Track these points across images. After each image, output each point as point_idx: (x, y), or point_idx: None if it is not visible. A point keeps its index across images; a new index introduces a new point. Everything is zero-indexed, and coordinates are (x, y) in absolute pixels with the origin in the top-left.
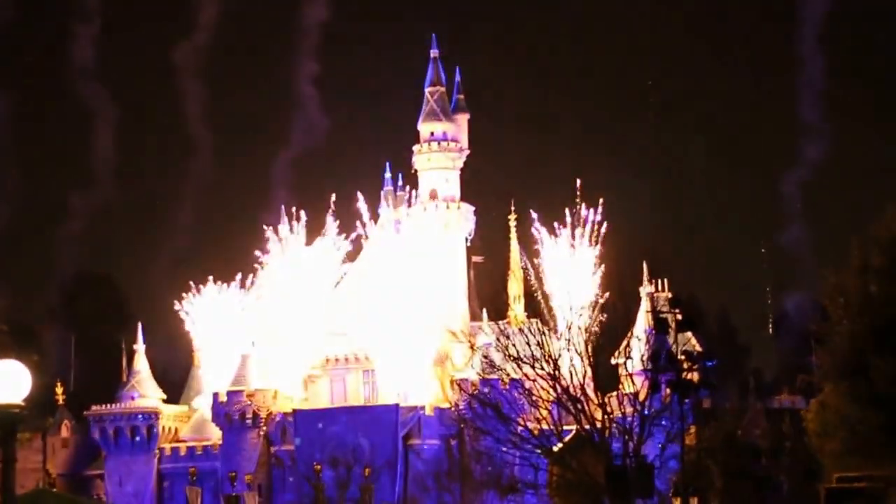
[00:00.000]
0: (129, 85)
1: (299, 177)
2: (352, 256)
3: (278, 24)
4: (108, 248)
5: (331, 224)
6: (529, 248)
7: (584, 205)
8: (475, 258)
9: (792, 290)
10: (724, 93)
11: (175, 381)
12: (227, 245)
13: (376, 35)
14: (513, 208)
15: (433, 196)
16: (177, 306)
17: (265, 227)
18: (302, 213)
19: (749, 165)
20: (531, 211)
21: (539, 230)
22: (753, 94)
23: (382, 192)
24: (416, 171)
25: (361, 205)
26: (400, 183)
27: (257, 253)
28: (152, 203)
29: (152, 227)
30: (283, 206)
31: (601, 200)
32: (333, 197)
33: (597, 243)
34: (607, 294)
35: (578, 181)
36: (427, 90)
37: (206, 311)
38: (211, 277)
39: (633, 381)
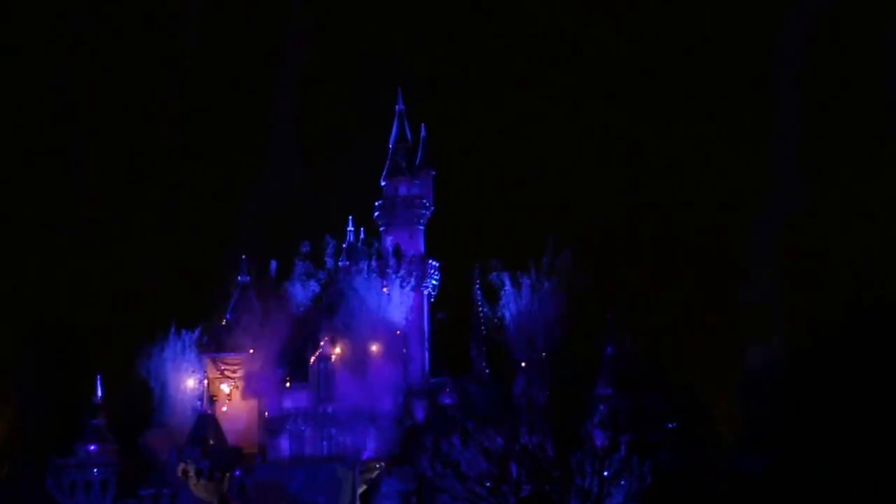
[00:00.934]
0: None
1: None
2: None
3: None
4: (68, 296)
5: (299, 269)
6: (494, 303)
7: (551, 257)
8: (438, 314)
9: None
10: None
11: (134, 433)
12: (192, 291)
13: (346, 83)
14: (477, 265)
15: (396, 253)
16: (137, 358)
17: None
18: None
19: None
20: (495, 264)
21: (503, 283)
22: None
23: (344, 247)
24: (380, 226)
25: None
26: (362, 237)
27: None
28: (119, 243)
29: (117, 272)
30: (243, 258)
31: (568, 252)
32: (305, 246)
33: (565, 293)
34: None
35: (550, 237)
36: (392, 146)
37: (166, 363)
38: (174, 325)
39: (592, 440)
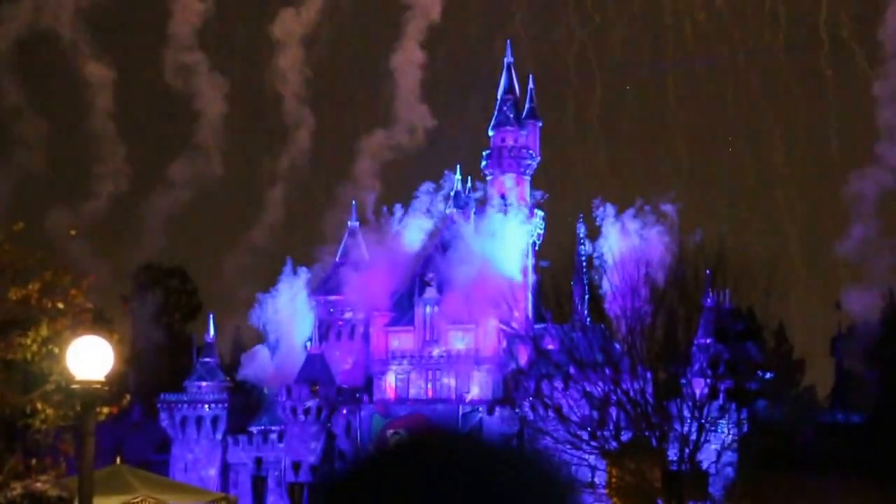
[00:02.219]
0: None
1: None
2: None
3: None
4: (184, 239)
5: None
6: (597, 251)
7: (656, 205)
8: (542, 262)
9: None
10: (799, 93)
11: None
12: (310, 234)
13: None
14: (581, 216)
15: (502, 201)
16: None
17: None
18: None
19: (822, 167)
20: (601, 211)
21: (608, 228)
22: (828, 90)
23: (452, 194)
24: (486, 176)
25: (456, 179)
26: (469, 186)
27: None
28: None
29: (236, 218)
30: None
31: (674, 205)
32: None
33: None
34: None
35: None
36: (500, 96)
37: (279, 303)
38: (290, 261)
39: (692, 387)
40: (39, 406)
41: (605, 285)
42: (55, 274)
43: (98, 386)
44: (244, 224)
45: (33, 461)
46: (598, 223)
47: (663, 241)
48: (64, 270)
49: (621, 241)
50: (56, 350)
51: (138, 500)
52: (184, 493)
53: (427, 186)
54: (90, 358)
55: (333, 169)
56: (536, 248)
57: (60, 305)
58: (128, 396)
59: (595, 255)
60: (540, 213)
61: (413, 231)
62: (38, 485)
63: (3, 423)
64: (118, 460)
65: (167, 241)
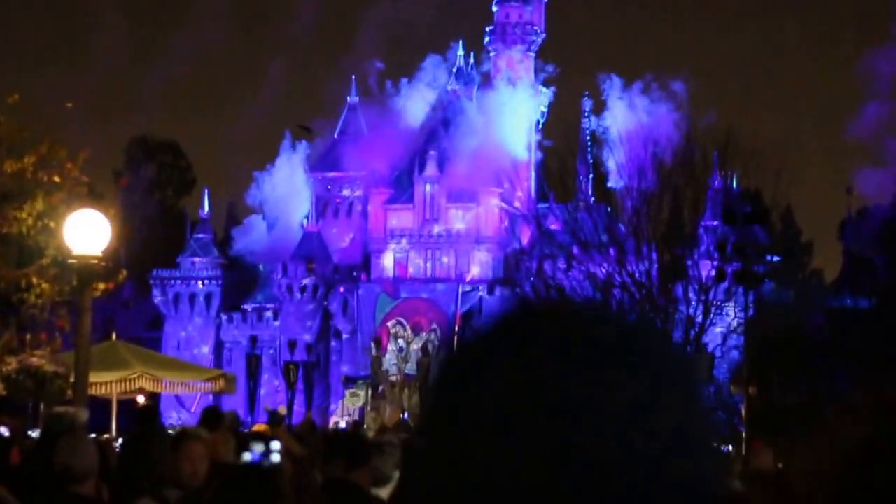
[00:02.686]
0: None
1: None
2: None
3: None
4: (180, 113)
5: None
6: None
7: (666, 82)
8: (545, 141)
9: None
10: None
11: (239, 249)
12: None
13: None
14: (586, 93)
15: (507, 76)
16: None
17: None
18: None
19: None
20: (607, 84)
21: (614, 102)
22: None
23: (454, 71)
24: (490, 52)
25: (459, 55)
26: (472, 63)
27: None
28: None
29: (235, 91)
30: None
31: (685, 83)
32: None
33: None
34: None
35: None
36: None
37: (276, 179)
38: (288, 134)
39: (698, 269)
40: (35, 280)
41: (611, 164)
42: (51, 147)
43: (95, 261)
44: (242, 97)
45: (28, 336)
46: (604, 98)
47: (672, 118)
48: (60, 144)
49: (628, 117)
50: (52, 224)
51: (135, 376)
52: (181, 371)
53: (433, 59)
54: (87, 232)
55: (337, 41)
56: (541, 125)
57: (56, 179)
58: (124, 272)
59: (601, 131)
60: (545, 89)
61: (417, 104)
62: (34, 360)
63: None
64: (114, 336)
65: (162, 114)
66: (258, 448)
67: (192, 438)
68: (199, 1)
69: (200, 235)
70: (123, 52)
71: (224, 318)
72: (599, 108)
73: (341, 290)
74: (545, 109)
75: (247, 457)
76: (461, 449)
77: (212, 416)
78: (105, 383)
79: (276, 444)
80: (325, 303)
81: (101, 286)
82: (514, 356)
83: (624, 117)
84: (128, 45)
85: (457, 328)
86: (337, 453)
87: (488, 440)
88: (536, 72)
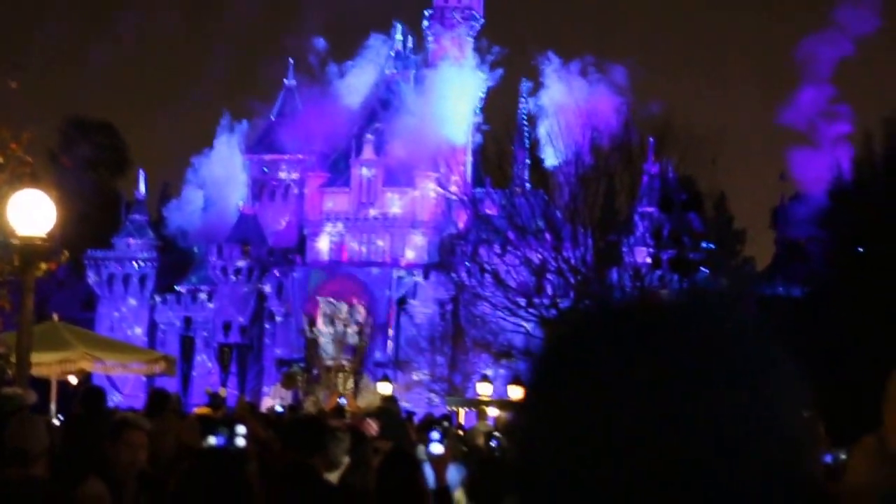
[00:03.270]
0: None
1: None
2: None
3: None
4: (114, 95)
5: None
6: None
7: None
8: (483, 125)
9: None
10: None
11: (172, 231)
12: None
13: None
14: (523, 80)
15: (443, 60)
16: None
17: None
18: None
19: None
20: (545, 65)
21: (552, 83)
22: None
23: (392, 54)
24: (428, 36)
25: (397, 39)
26: (410, 46)
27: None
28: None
29: (176, 69)
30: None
31: (624, 66)
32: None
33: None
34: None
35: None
36: None
37: (213, 161)
38: (227, 115)
39: (633, 256)
40: None
41: (548, 150)
42: None
43: (39, 241)
44: (182, 79)
45: None
46: (541, 79)
47: (611, 102)
48: (3, 124)
49: (566, 97)
50: None
51: (76, 357)
52: (122, 352)
53: (376, 38)
54: (31, 213)
55: (280, 23)
56: (479, 109)
57: (0, 160)
58: (66, 253)
59: (538, 113)
60: (483, 73)
61: (357, 84)
62: None
63: None
64: (55, 317)
65: (100, 96)
66: (224, 433)
67: (133, 426)
68: None
69: (136, 216)
70: (68, 31)
71: (158, 299)
72: (537, 88)
73: (276, 272)
74: (483, 94)
75: (212, 441)
76: (556, 456)
77: (159, 399)
78: (46, 364)
79: (241, 429)
80: (260, 285)
81: (44, 266)
82: (616, 356)
83: (561, 97)
84: (72, 26)
85: (391, 312)
86: (294, 439)
87: (586, 448)
88: (475, 55)
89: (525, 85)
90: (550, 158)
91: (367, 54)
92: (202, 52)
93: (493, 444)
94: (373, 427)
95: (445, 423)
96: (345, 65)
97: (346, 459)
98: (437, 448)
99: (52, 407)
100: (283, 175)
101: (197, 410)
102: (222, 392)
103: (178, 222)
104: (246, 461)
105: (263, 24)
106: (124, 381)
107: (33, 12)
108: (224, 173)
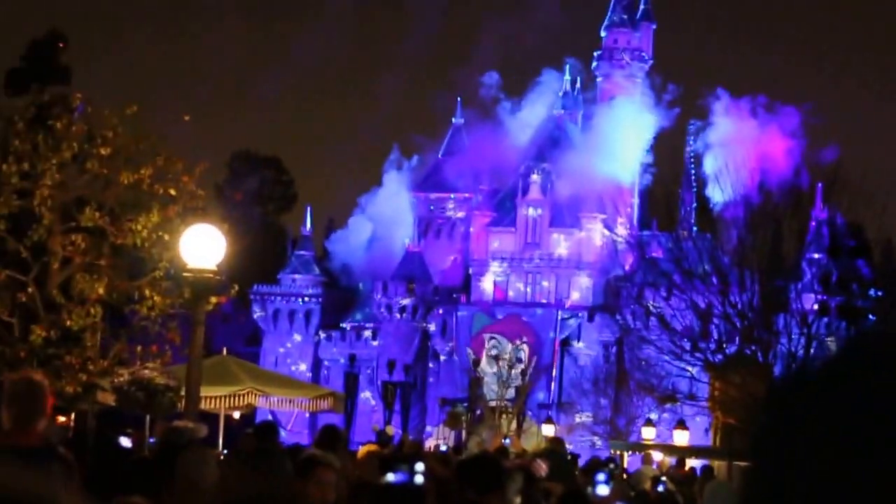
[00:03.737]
0: None
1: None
2: None
3: None
4: (281, 128)
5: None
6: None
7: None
8: (651, 168)
9: None
10: None
11: (338, 267)
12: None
13: None
14: (690, 124)
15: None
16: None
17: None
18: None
19: None
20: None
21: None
22: None
23: (561, 95)
24: (596, 77)
25: (565, 80)
26: (579, 86)
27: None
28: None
29: (335, 106)
30: (458, 98)
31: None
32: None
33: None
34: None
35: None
36: None
37: (380, 198)
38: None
39: (801, 302)
40: (147, 293)
41: (716, 193)
42: (167, 159)
43: (210, 275)
44: (350, 113)
45: (139, 348)
46: (710, 118)
47: (782, 143)
48: (176, 156)
49: (735, 136)
50: (166, 237)
51: (245, 391)
52: (288, 387)
53: (548, 75)
54: (203, 246)
55: (452, 56)
56: (646, 151)
57: (172, 192)
58: (236, 287)
59: (706, 154)
60: (650, 114)
61: (528, 119)
62: (146, 372)
63: (110, 308)
64: (224, 351)
65: (267, 129)
66: (403, 469)
67: (323, 465)
68: (315, 16)
69: (301, 252)
70: (235, 66)
71: (323, 335)
72: (706, 126)
73: (440, 311)
74: (652, 135)
75: (391, 477)
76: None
77: (331, 435)
78: (214, 397)
79: (419, 466)
80: (424, 323)
81: (214, 300)
82: (864, 389)
83: (730, 136)
84: (240, 60)
85: (556, 354)
86: (470, 478)
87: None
88: (644, 95)
89: (693, 125)
90: (717, 198)
91: (539, 89)
92: (372, 86)
93: (659, 488)
94: (542, 468)
95: (611, 466)
96: (515, 101)
97: (518, 500)
98: (603, 490)
99: (220, 441)
100: (449, 213)
101: (364, 448)
102: (389, 430)
103: (343, 258)
104: (424, 498)
105: (435, 57)
106: (287, 417)
107: (202, 46)
108: (391, 210)
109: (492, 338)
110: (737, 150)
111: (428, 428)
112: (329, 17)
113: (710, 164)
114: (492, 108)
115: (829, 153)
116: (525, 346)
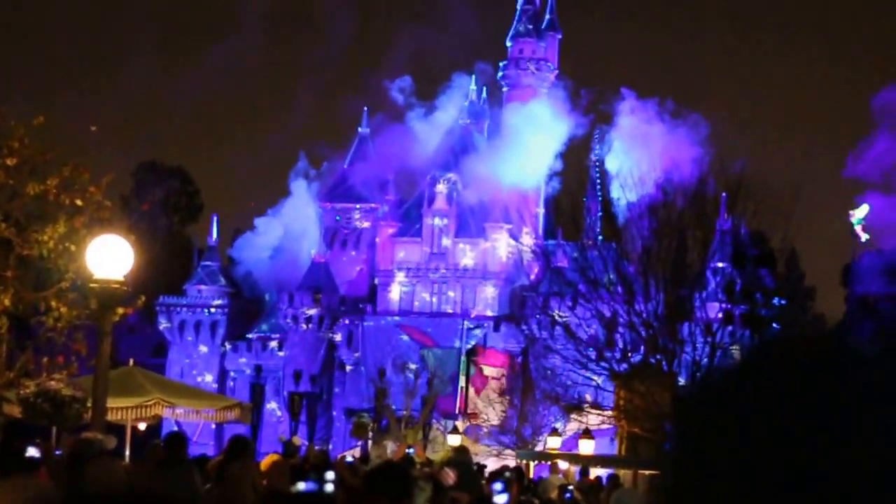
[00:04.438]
0: None
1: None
2: None
3: None
4: (182, 140)
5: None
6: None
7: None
8: (556, 178)
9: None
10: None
11: (243, 277)
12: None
13: None
14: (596, 131)
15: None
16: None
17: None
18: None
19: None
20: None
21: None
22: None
23: (466, 105)
24: (502, 87)
25: (471, 90)
26: (485, 96)
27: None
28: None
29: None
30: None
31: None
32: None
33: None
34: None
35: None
36: (520, 6)
37: (285, 208)
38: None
39: (705, 311)
40: (54, 304)
41: (620, 200)
42: (74, 170)
43: (116, 286)
44: (259, 121)
45: (45, 359)
46: (615, 120)
47: (687, 151)
48: (83, 167)
49: (640, 140)
50: (73, 248)
51: (151, 402)
52: (195, 398)
53: (461, 79)
54: (110, 257)
55: (365, 63)
56: (551, 161)
57: (79, 202)
58: (142, 298)
59: (611, 161)
60: (555, 125)
61: (438, 124)
62: (52, 383)
63: (16, 319)
64: (131, 362)
65: (175, 140)
66: (313, 478)
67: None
68: (228, 26)
69: (208, 263)
70: (148, 76)
71: (229, 346)
72: (610, 123)
73: (346, 321)
74: (557, 145)
75: (301, 486)
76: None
77: (240, 445)
78: (121, 409)
79: (329, 475)
80: (331, 334)
81: (120, 311)
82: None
83: (635, 140)
84: (151, 71)
85: (462, 363)
86: (380, 487)
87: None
88: (548, 106)
89: (599, 132)
90: (623, 206)
91: (451, 94)
92: (282, 96)
93: (566, 496)
94: (451, 477)
95: (507, 474)
96: (428, 106)
97: None
98: (501, 498)
99: (127, 452)
100: (356, 223)
101: (268, 458)
102: (296, 440)
103: (248, 268)
104: None
105: (347, 66)
106: (194, 428)
107: (113, 56)
108: (298, 219)
109: (398, 348)
110: (642, 157)
111: (334, 438)
112: (243, 27)
113: (615, 172)
114: (402, 115)
115: (736, 165)
116: (431, 356)
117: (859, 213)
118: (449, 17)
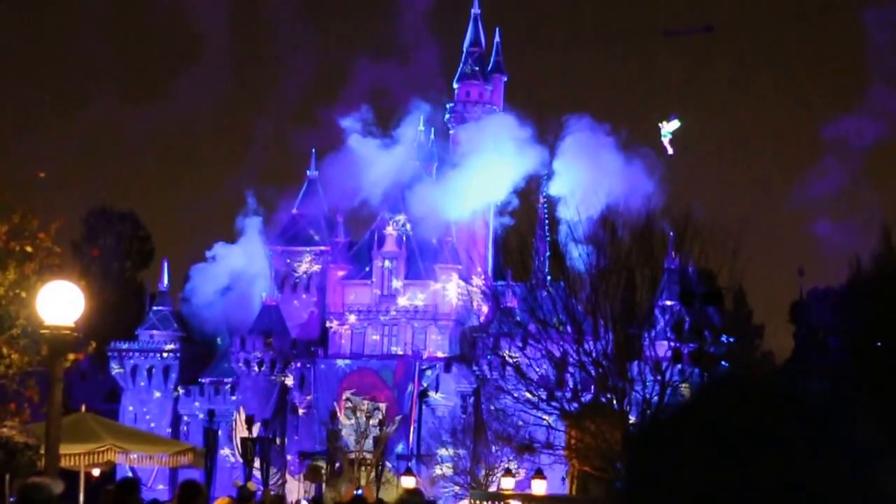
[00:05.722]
0: None
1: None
2: None
3: None
4: (133, 184)
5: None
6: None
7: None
8: (504, 219)
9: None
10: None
11: (197, 322)
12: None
13: None
14: (546, 173)
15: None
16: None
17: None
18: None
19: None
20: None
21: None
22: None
23: (415, 145)
24: (449, 129)
25: (419, 131)
26: (433, 137)
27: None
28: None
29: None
30: (313, 151)
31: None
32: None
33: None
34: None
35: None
36: (466, 49)
37: (235, 252)
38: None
39: (654, 350)
40: (5, 350)
41: (569, 241)
42: (23, 217)
43: (67, 332)
44: (210, 166)
45: None
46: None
47: (635, 187)
48: (32, 213)
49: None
50: (23, 294)
51: (104, 448)
52: (148, 443)
53: (416, 112)
54: (60, 303)
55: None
56: (499, 203)
57: (28, 249)
58: (93, 343)
59: (557, 202)
60: (503, 166)
61: (393, 161)
62: (4, 430)
63: None
64: (83, 408)
65: (124, 184)
66: None
67: None
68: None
69: (159, 308)
70: (101, 120)
71: (182, 391)
72: (552, 147)
73: (298, 364)
74: (507, 185)
75: None
76: None
77: (192, 491)
78: (74, 455)
79: None
80: (283, 377)
81: (71, 357)
82: (716, 431)
83: (582, 175)
84: (105, 114)
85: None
86: None
87: None
88: (496, 147)
89: (546, 172)
90: (571, 246)
91: (403, 133)
92: (234, 139)
93: None
94: None
95: None
96: (383, 136)
97: None
98: None
99: (81, 498)
100: (305, 266)
101: (219, 501)
102: (251, 486)
103: (200, 313)
104: None
105: (302, 109)
106: (148, 473)
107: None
108: (248, 262)
109: (349, 390)
110: (590, 197)
111: (289, 482)
112: (202, 67)
113: (563, 212)
114: (353, 153)
115: (689, 204)
116: (382, 399)
117: (669, 126)
118: (409, 51)
